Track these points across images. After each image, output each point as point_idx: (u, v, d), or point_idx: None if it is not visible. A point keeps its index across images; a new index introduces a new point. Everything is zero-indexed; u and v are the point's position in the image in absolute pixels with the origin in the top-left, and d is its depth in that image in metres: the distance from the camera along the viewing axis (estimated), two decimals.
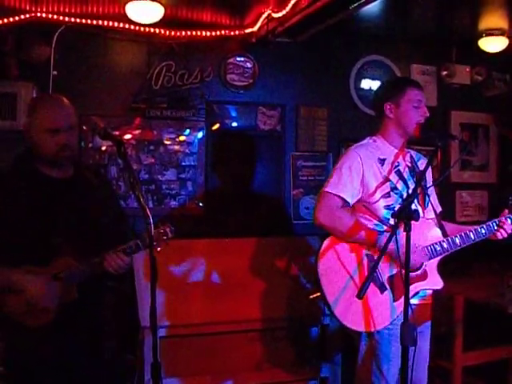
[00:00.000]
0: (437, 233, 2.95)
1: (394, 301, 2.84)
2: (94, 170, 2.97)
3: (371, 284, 2.74)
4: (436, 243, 2.90)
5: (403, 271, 2.48)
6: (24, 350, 2.61)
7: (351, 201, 2.94)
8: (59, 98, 2.73)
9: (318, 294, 2.92)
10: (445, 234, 2.95)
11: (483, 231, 2.96)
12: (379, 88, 3.79)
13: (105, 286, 2.90)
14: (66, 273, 2.60)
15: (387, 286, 2.86)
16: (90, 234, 2.70)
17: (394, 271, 2.87)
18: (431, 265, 2.91)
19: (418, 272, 2.87)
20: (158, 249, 2.59)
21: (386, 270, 2.87)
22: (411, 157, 3.10)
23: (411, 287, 2.74)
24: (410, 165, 3.05)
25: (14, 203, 2.60)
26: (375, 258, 2.83)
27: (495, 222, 2.99)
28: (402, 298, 2.75)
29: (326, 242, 2.95)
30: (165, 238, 2.67)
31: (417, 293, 2.89)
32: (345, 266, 2.89)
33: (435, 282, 2.93)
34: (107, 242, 2.66)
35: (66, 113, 2.67)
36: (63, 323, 2.62)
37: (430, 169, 3.12)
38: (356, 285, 2.84)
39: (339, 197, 2.91)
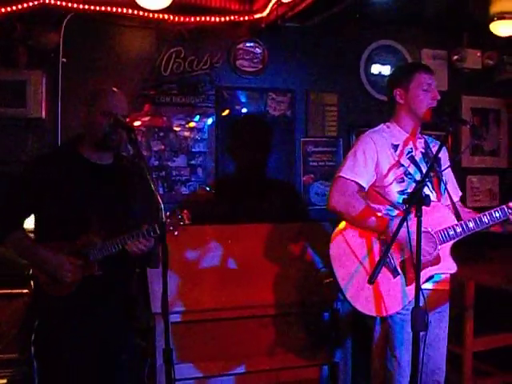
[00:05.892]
0: (450, 217, 2.93)
1: (407, 285, 2.84)
2: (132, 160, 3.09)
3: (384, 269, 2.76)
4: (449, 227, 2.89)
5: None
6: (54, 321, 2.80)
7: (366, 185, 2.95)
8: (119, 91, 2.95)
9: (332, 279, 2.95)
10: (459, 219, 2.93)
11: (497, 214, 2.91)
12: (390, 74, 3.78)
13: (133, 262, 3.01)
14: (88, 250, 2.77)
15: (399, 271, 2.86)
16: (120, 218, 2.88)
17: (406, 256, 2.86)
18: (444, 249, 2.89)
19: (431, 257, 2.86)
20: (176, 233, 2.77)
21: (398, 255, 2.87)
22: (426, 142, 3.09)
23: (423, 272, 2.74)
24: (423, 150, 3.04)
25: (53, 182, 2.77)
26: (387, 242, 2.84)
27: (509, 205, 2.91)
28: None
29: (338, 227, 2.97)
30: (181, 223, 2.78)
31: (430, 277, 2.88)
32: (356, 250, 2.90)
33: (449, 266, 2.91)
34: (134, 227, 2.80)
35: (123, 103, 2.90)
36: (90, 296, 2.82)
37: (446, 154, 3.12)
38: (367, 269, 2.85)
39: (355, 182, 2.92)
